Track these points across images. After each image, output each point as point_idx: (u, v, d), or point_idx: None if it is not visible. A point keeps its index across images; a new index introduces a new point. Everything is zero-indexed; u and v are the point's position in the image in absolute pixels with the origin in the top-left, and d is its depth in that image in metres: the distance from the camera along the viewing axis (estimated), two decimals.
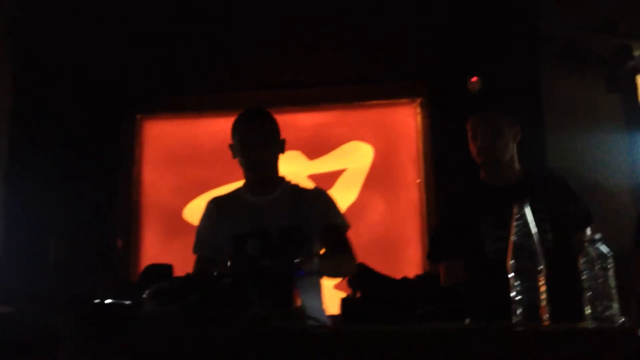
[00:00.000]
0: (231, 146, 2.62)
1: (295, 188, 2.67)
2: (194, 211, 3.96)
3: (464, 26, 3.84)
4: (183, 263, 3.20)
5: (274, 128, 2.62)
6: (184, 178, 4.03)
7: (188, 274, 1.87)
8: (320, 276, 2.45)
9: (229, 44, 4.02)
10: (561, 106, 3.64)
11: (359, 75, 3.94)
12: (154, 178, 4.07)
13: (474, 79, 3.66)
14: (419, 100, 3.95)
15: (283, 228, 2.52)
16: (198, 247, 2.66)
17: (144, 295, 1.75)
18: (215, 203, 2.69)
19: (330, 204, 2.62)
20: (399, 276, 2.66)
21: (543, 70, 3.68)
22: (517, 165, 2.64)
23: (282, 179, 2.68)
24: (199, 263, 2.63)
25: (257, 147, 2.54)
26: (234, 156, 2.62)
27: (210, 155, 4.01)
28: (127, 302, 1.92)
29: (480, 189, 2.63)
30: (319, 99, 4.01)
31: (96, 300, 1.84)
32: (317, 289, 2.53)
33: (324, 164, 3.94)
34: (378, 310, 1.73)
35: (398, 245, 3.84)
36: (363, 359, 1.47)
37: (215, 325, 1.58)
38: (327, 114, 4.03)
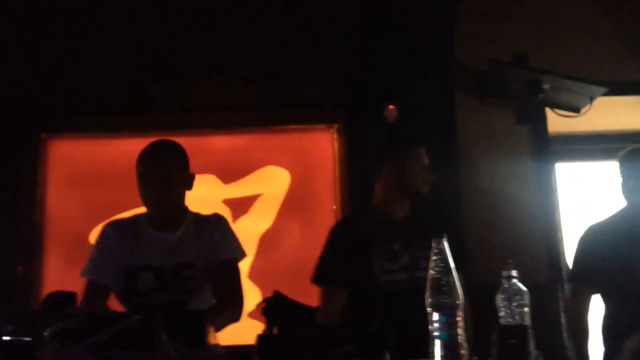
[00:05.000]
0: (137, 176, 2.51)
1: (197, 219, 2.59)
2: None
3: (380, 54, 3.88)
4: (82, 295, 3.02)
5: (179, 165, 2.50)
6: (90, 201, 3.85)
7: (94, 312, 1.75)
8: None
9: (141, 64, 3.90)
10: (474, 137, 3.72)
11: (275, 101, 3.90)
12: (59, 200, 3.87)
13: (391, 107, 3.69)
14: (335, 126, 3.94)
15: (178, 265, 2.45)
16: (89, 272, 2.52)
17: (45, 334, 1.63)
18: (112, 227, 2.56)
19: (226, 234, 2.56)
20: (314, 303, 2.63)
21: (457, 101, 3.75)
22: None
23: (185, 211, 2.59)
24: (90, 289, 2.50)
25: (158, 188, 2.44)
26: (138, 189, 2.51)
27: (118, 178, 3.84)
28: (27, 339, 1.79)
29: (372, 219, 2.66)
30: (235, 123, 3.94)
31: None
32: None
33: (239, 189, 3.87)
34: (295, 348, 1.67)
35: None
36: None
37: None
38: (242, 138, 3.96)
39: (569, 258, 2.91)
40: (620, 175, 2.93)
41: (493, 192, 3.46)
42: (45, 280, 3.75)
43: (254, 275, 3.70)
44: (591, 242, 2.89)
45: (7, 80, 3.85)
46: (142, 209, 2.61)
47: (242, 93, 3.90)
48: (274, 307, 2.40)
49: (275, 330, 2.03)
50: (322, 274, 2.65)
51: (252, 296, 3.29)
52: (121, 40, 3.92)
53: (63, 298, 2.04)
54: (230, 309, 2.42)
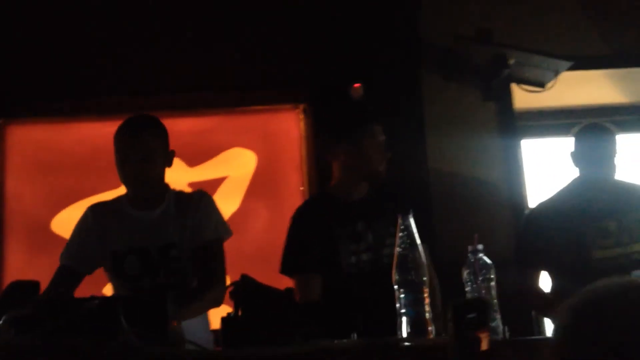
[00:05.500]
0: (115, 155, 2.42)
1: (179, 197, 2.50)
2: (63, 222, 3.70)
3: (345, 33, 3.83)
4: (51, 278, 2.96)
5: (159, 141, 2.41)
6: (51, 187, 3.75)
7: (50, 297, 1.70)
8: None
9: (101, 46, 3.79)
10: (440, 114, 3.71)
11: (240, 81, 3.83)
12: (18, 188, 3.76)
13: (357, 85, 3.65)
14: (301, 107, 3.89)
15: (163, 245, 2.39)
16: (64, 256, 2.45)
17: (0, 322, 1.58)
18: (93, 211, 2.48)
19: (210, 212, 2.49)
20: (282, 286, 2.59)
21: (422, 78, 3.72)
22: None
23: (166, 188, 2.52)
24: (60, 273, 2.42)
25: (137, 164, 2.35)
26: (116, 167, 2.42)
27: (80, 163, 3.77)
28: None
29: (332, 202, 2.62)
30: (199, 104, 3.86)
31: None
32: None
33: (205, 172, 3.80)
34: (260, 330, 1.64)
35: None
36: None
37: (77, 355, 1.44)
38: (207, 120, 3.89)
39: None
40: (572, 151, 2.90)
41: (459, 169, 3.45)
42: (6, 270, 3.66)
43: None
44: (539, 220, 2.83)
45: None
46: (106, 195, 2.55)
47: (206, 74, 3.82)
48: (242, 291, 2.36)
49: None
50: (294, 263, 2.60)
51: None
52: (80, 23, 3.81)
53: (25, 287, 1.98)
54: (209, 294, 2.34)
